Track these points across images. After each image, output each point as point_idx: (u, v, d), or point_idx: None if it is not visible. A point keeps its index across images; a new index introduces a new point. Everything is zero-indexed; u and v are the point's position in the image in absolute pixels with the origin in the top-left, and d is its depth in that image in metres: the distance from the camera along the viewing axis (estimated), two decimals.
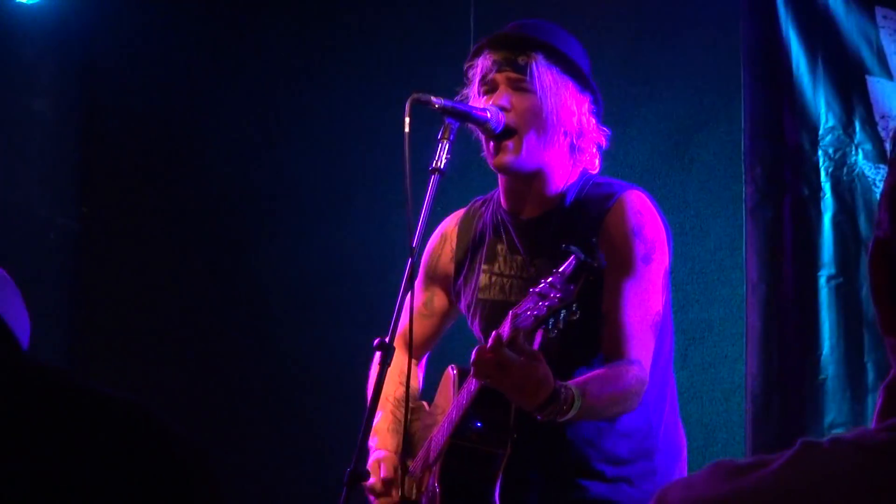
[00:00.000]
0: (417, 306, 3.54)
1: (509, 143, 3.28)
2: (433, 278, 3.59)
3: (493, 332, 2.90)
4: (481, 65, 3.33)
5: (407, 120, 3.15)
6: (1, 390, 1.13)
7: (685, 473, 3.36)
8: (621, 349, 3.14)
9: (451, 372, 3.41)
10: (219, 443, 5.05)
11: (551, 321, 2.84)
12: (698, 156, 4.86)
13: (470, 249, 3.52)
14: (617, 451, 3.28)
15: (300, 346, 5.36)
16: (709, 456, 4.58)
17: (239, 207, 5.57)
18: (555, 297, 2.81)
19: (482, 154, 3.38)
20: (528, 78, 3.27)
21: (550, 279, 2.83)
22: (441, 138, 3.25)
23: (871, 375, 4.35)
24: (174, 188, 5.63)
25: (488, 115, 3.27)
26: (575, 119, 3.31)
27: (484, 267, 3.45)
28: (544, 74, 3.27)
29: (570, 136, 3.32)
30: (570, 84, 3.31)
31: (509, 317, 2.91)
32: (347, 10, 5.49)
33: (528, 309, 2.86)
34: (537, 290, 2.85)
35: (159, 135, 5.66)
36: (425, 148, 3.27)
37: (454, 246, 3.56)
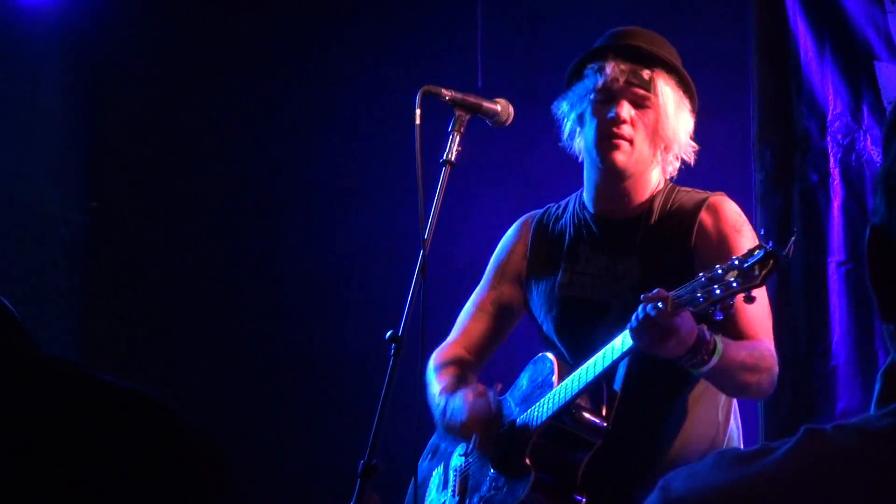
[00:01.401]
0: (483, 304, 3.59)
1: (625, 144, 3.32)
2: (504, 274, 3.60)
3: (650, 304, 2.95)
4: (608, 73, 3.34)
5: (418, 112, 3.16)
6: (16, 383, 1.13)
7: None
8: (749, 336, 3.22)
9: (554, 363, 3.39)
10: (231, 434, 5.06)
11: (718, 305, 2.90)
12: (707, 144, 4.85)
13: (547, 249, 3.54)
14: (690, 455, 3.32)
15: (312, 339, 5.37)
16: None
17: (249, 201, 5.57)
18: (734, 281, 2.86)
19: (562, 143, 3.38)
20: (651, 94, 3.32)
21: (725, 265, 2.88)
22: (452, 130, 3.26)
23: (882, 361, 4.35)
24: (183, 182, 5.64)
25: (498, 107, 3.29)
26: (686, 134, 3.40)
27: (564, 266, 3.47)
28: (666, 92, 3.34)
29: (672, 150, 3.39)
30: (688, 106, 3.39)
31: (671, 295, 2.95)
32: (357, 2, 5.49)
33: (694, 291, 2.91)
34: (708, 274, 2.90)
35: (168, 128, 5.66)
36: (436, 140, 3.27)
37: (528, 243, 3.58)
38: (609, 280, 3.38)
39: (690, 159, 3.45)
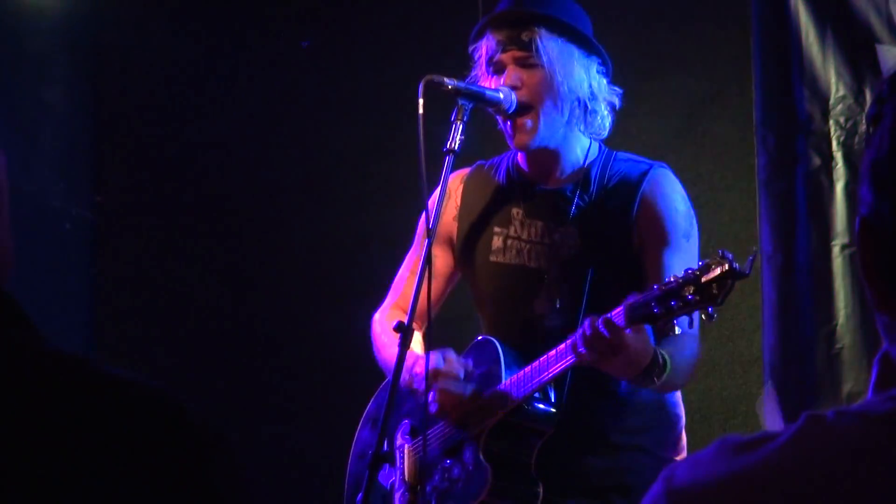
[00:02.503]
0: (416, 268, 3.43)
1: (527, 121, 3.31)
2: (436, 238, 3.51)
3: (601, 318, 2.94)
4: (486, 46, 3.35)
5: (420, 101, 3.16)
6: (24, 377, 1.14)
7: (684, 441, 3.41)
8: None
9: (500, 352, 3.36)
10: (237, 426, 5.06)
11: (677, 320, 2.89)
12: (710, 129, 4.86)
13: (478, 210, 3.51)
14: (632, 423, 3.33)
15: (318, 330, 5.37)
16: (729, 429, 4.59)
17: (253, 193, 5.57)
18: (692, 297, 2.84)
19: (502, 132, 3.39)
20: (534, 53, 3.29)
21: (681, 278, 2.86)
22: (455, 119, 3.26)
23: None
24: (188, 176, 5.64)
25: (501, 95, 3.28)
26: (586, 84, 3.34)
27: (497, 230, 3.45)
28: (550, 47, 3.29)
29: (584, 102, 3.34)
30: (576, 51, 3.33)
31: (622, 306, 2.93)
32: None
33: (649, 303, 2.89)
34: (663, 286, 2.88)
35: (172, 123, 5.66)
36: (439, 129, 3.27)
37: (458, 204, 3.56)
38: (544, 247, 3.36)
39: (616, 103, 3.40)
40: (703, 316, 2.88)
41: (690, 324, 2.97)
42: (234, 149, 5.59)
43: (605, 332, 2.92)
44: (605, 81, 3.38)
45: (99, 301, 5.68)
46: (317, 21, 5.51)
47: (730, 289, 2.83)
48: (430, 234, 3.23)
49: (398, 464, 3.45)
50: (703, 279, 2.83)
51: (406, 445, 3.46)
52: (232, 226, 5.57)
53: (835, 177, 4.48)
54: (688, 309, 2.86)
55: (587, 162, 3.38)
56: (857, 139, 4.46)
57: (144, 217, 5.66)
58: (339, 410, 5.24)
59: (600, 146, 3.41)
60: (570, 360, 3.07)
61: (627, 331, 2.93)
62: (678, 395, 3.43)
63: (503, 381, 3.29)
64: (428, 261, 3.19)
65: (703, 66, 4.87)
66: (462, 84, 3.28)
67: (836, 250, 4.44)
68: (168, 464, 1.13)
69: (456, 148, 3.25)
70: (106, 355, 5.46)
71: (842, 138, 4.48)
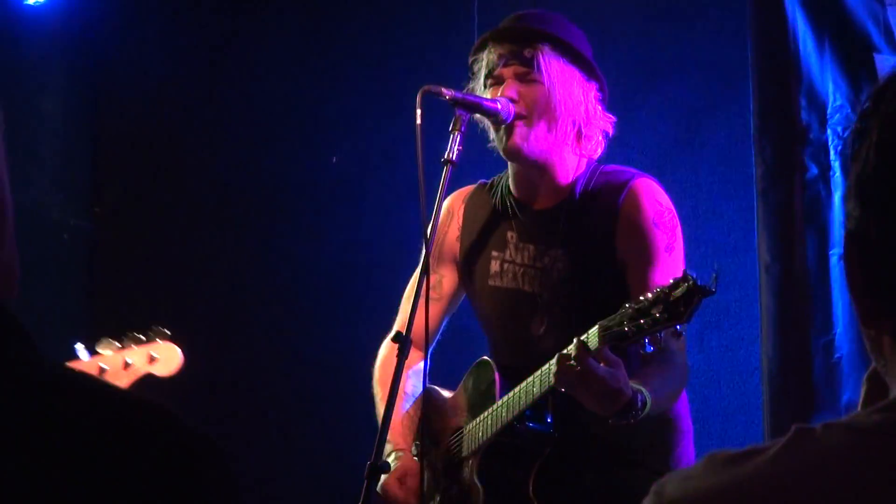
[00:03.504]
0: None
1: (519, 130, 3.31)
2: (441, 257, 3.59)
3: (576, 340, 2.94)
4: (486, 59, 3.36)
5: (418, 112, 3.16)
6: (20, 392, 1.14)
7: (692, 455, 3.41)
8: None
9: (495, 373, 3.39)
10: (235, 438, 5.06)
11: (648, 338, 2.88)
12: (708, 139, 4.86)
13: (477, 232, 3.54)
14: (635, 441, 3.33)
15: (315, 340, 5.37)
16: (728, 439, 4.59)
17: (251, 203, 5.57)
18: (660, 315, 2.84)
19: (490, 144, 3.40)
20: (535, 70, 3.30)
21: (651, 296, 2.87)
22: (452, 130, 3.27)
23: None
24: (185, 186, 5.64)
25: (498, 105, 3.29)
26: (582, 108, 3.35)
27: (494, 254, 3.48)
28: (551, 65, 3.30)
29: (578, 124, 3.34)
30: (577, 73, 3.35)
31: (596, 327, 2.93)
32: (356, 4, 5.49)
33: (622, 322, 2.90)
34: (635, 305, 2.89)
35: (170, 133, 5.66)
36: (437, 139, 3.27)
37: (461, 224, 3.59)
38: (539, 271, 3.38)
39: (610, 131, 3.41)
40: (672, 334, 2.89)
41: (657, 343, 2.95)
42: (231, 160, 5.59)
43: (575, 359, 2.92)
44: (600, 107, 3.39)
45: (97, 311, 5.68)
46: (315, 31, 5.51)
47: (696, 305, 2.83)
48: (428, 243, 3.23)
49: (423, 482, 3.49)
50: (671, 297, 2.84)
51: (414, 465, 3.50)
52: (229, 236, 5.57)
53: (832, 186, 4.48)
54: (657, 327, 2.86)
55: (574, 180, 3.39)
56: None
57: (142, 227, 5.67)
58: (338, 419, 5.25)
59: (588, 160, 3.42)
60: (549, 382, 3.07)
61: (600, 364, 2.92)
62: (684, 408, 3.44)
63: (496, 402, 3.30)
64: (426, 270, 3.20)
65: (701, 75, 4.87)
66: (459, 94, 3.29)
67: (834, 259, 4.44)
68: (165, 481, 1.13)
69: (454, 158, 3.25)
70: None
71: (839, 148, 4.48)
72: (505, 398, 3.28)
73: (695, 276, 2.84)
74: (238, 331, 5.53)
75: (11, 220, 1.27)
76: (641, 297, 2.89)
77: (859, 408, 1.18)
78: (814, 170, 4.50)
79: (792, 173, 4.52)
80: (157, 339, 3.84)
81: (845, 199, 1.18)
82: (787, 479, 1.10)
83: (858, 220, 1.17)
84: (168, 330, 5.51)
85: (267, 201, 5.56)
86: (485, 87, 3.36)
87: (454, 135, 3.26)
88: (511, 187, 3.48)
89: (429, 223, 3.26)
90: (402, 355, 3.16)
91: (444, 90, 3.25)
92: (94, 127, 5.73)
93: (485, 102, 3.29)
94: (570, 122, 3.35)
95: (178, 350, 3.85)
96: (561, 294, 3.33)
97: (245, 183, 5.58)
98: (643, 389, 3.01)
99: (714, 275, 2.83)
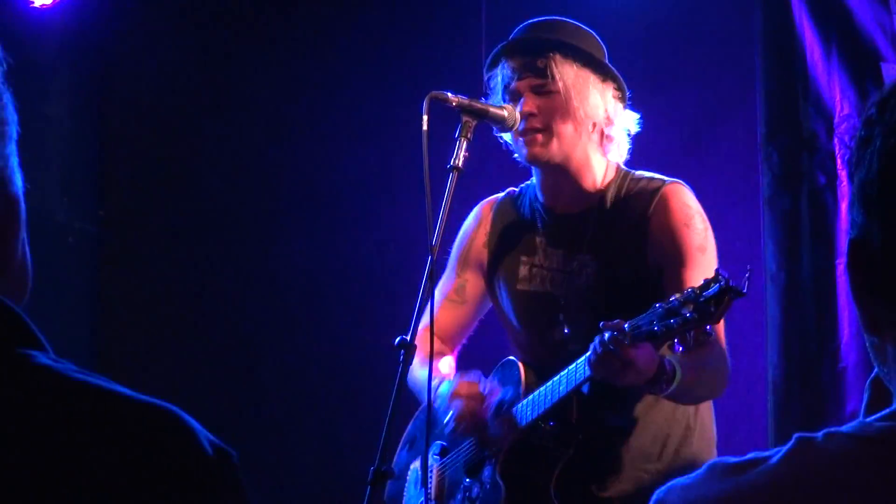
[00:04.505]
0: (449, 293, 3.59)
1: (539, 136, 3.31)
2: (466, 262, 3.61)
3: (608, 335, 2.94)
4: (501, 75, 3.36)
5: (425, 118, 3.15)
6: (27, 394, 1.13)
7: None
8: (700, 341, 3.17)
9: (521, 372, 3.40)
10: (241, 440, 5.05)
11: (678, 338, 2.89)
12: (714, 147, 4.85)
13: (506, 238, 3.54)
14: (658, 448, 3.33)
15: (321, 344, 5.37)
16: (733, 448, 4.56)
17: (257, 208, 5.57)
18: (690, 315, 2.84)
19: (510, 152, 3.40)
20: (549, 80, 3.30)
21: (682, 296, 2.87)
22: (459, 136, 3.26)
23: None
24: (191, 189, 5.64)
25: (505, 112, 3.29)
26: (601, 109, 3.35)
27: (523, 258, 3.48)
28: (565, 72, 3.30)
29: (600, 126, 3.35)
30: (592, 76, 3.34)
31: (627, 325, 2.94)
32: (363, 9, 5.50)
33: (651, 322, 2.90)
34: (665, 305, 2.89)
35: (175, 137, 5.66)
36: (443, 145, 3.27)
37: (488, 230, 3.59)
38: (566, 275, 3.38)
39: (632, 128, 3.43)
40: (700, 335, 2.89)
41: (686, 343, 2.95)
42: (237, 163, 5.59)
43: (615, 351, 2.93)
44: (621, 106, 3.40)
45: (102, 314, 5.68)
46: (322, 36, 5.51)
47: (726, 305, 2.83)
48: (433, 249, 3.23)
49: (430, 482, 3.50)
50: (702, 297, 2.84)
51: (435, 465, 3.51)
52: (235, 240, 5.58)
53: (839, 195, 4.47)
54: (686, 327, 2.86)
55: (603, 184, 3.40)
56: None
57: (147, 231, 5.67)
58: (342, 424, 5.25)
59: (617, 167, 3.43)
60: (583, 376, 3.08)
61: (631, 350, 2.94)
62: (710, 418, 3.45)
63: (522, 401, 3.31)
64: (430, 277, 3.21)
65: (707, 83, 4.87)
66: (466, 100, 3.28)
67: (840, 269, 4.43)
68: (175, 485, 1.12)
69: (460, 164, 3.25)
70: (109, 368, 5.45)
71: (846, 156, 4.47)
72: (529, 397, 3.28)
73: (727, 275, 2.84)
74: (243, 335, 5.53)
75: (25, 225, 1.27)
76: (672, 297, 2.89)
77: (862, 414, 1.17)
78: (821, 179, 4.50)
79: (799, 182, 4.52)
80: None
81: (850, 207, 1.18)
82: (789, 487, 1.10)
83: (861, 227, 1.17)
84: (172, 333, 5.53)
85: (273, 206, 5.56)
86: (504, 102, 3.37)
87: (460, 141, 3.26)
88: (538, 193, 3.48)
89: (435, 229, 3.26)
90: (405, 362, 3.16)
91: (450, 96, 3.25)
92: (99, 130, 5.73)
93: (491, 109, 3.30)
94: (591, 125, 3.35)
95: None
96: (589, 298, 3.34)
97: (251, 187, 5.58)
98: (670, 359, 3.03)
99: (746, 276, 2.82)
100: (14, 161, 1.28)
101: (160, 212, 5.67)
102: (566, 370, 3.15)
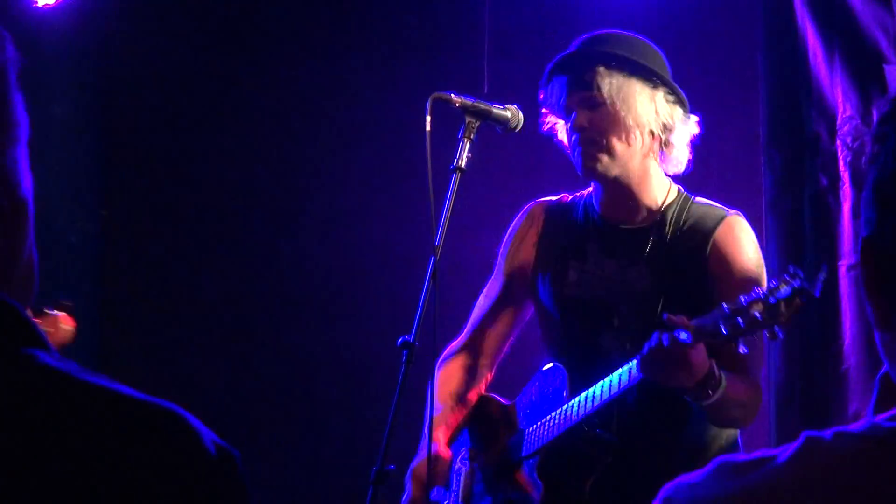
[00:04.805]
0: (496, 295, 3.57)
1: (594, 152, 3.30)
2: (513, 265, 3.56)
3: (667, 335, 2.93)
4: (554, 93, 3.36)
5: (428, 118, 3.15)
6: (32, 393, 1.14)
7: None
8: (739, 367, 3.17)
9: (566, 376, 3.38)
10: (243, 440, 5.05)
11: (742, 338, 2.87)
12: (717, 148, 4.85)
13: (556, 240, 3.51)
14: (696, 461, 3.32)
15: (325, 345, 5.37)
16: (734, 449, 4.58)
17: (260, 208, 5.58)
18: (760, 315, 2.82)
19: (577, 171, 3.39)
20: (595, 92, 3.29)
21: (752, 297, 2.85)
22: (462, 137, 3.26)
23: None
24: (193, 189, 5.64)
25: (509, 113, 3.29)
26: (653, 115, 3.32)
27: (573, 263, 3.45)
28: (609, 83, 3.28)
29: (657, 133, 3.33)
30: (637, 83, 3.31)
31: (692, 327, 2.91)
32: (367, 9, 5.50)
33: (716, 322, 2.88)
34: (732, 305, 2.87)
35: (178, 136, 5.67)
36: (447, 146, 3.27)
37: (539, 231, 3.56)
38: (619, 284, 3.36)
39: (696, 130, 3.41)
40: (769, 335, 2.87)
41: (752, 344, 2.94)
42: (239, 163, 5.59)
43: (673, 348, 2.93)
44: (678, 110, 3.36)
45: (104, 313, 5.68)
46: (325, 36, 5.52)
47: (798, 308, 2.81)
48: (437, 250, 3.22)
49: (454, 486, 3.49)
50: (773, 298, 2.82)
51: (463, 469, 3.50)
52: (237, 240, 5.58)
53: (842, 197, 4.48)
54: (755, 328, 2.84)
55: (664, 205, 3.38)
56: (864, 160, 4.45)
57: (149, 230, 5.67)
58: (345, 424, 5.25)
59: (679, 190, 3.41)
60: (635, 378, 3.07)
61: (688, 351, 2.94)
62: (740, 439, 3.44)
63: (566, 401, 3.30)
64: (434, 277, 3.20)
65: (710, 84, 4.86)
66: (470, 101, 3.27)
67: (842, 271, 4.44)
68: (178, 486, 1.12)
69: (463, 165, 3.25)
70: (111, 368, 5.45)
71: (849, 159, 4.48)
72: (575, 399, 3.26)
73: (801, 275, 2.82)
74: (245, 334, 5.53)
75: (33, 228, 1.28)
76: (740, 297, 2.87)
77: (870, 412, 1.17)
78: (823, 181, 4.50)
79: (801, 184, 4.52)
80: (55, 311, 3.85)
81: (862, 203, 1.18)
82: (797, 487, 1.10)
83: (876, 224, 1.16)
84: (175, 332, 5.53)
85: (276, 206, 5.56)
86: (559, 119, 3.38)
87: (464, 142, 3.25)
88: (595, 203, 3.46)
89: (438, 230, 3.25)
90: (408, 362, 3.15)
91: (453, 97, 3.24)
92: (101, 130, 5.74)
93: (495, 110, 3.29)
94: (647, 133, 3.32)
95: (70, 324, 3.86)
96: (640, 309, 3.30)
97: (254, 187, 5.58)
98: (720, 371, 3.02)
99: (822, 277, 2.79)
100: (23, 164, 1.28)
101: (162, 211, 5.67)
102: (613, 375, 3.14)
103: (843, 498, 1.08)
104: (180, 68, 5.63)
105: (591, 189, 3.49)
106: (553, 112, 3.41)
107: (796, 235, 4.50)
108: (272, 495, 5.22)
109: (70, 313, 3.93)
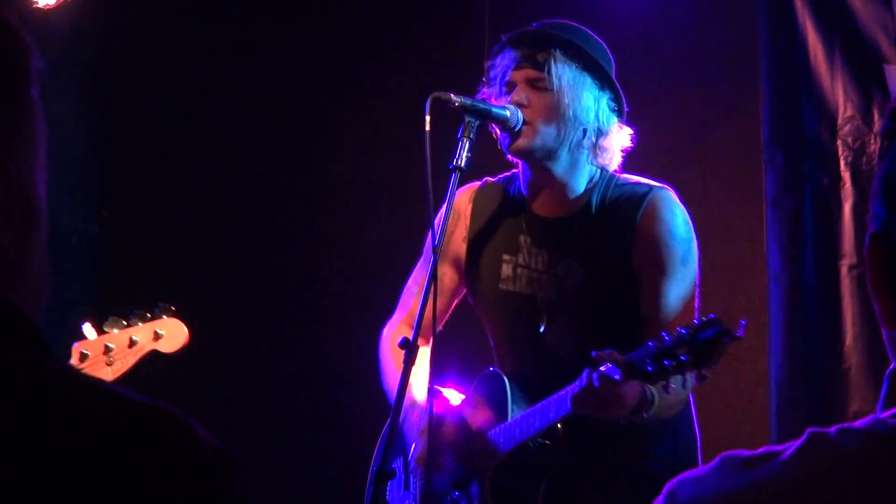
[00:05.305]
0: (423, 283, 3.48)
1: (524, 131, 3.29)
2: (444, 256, 3.51)
3: (597, 374, 2.92)
4: (501, 64, 3.35)
5: (427, 118, 3.14)
6: (33, 396, 1.14)
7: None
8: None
9: (506, 386, 3.36)
10: (242, 440, 5.05)
11: (669, 379, 2.86)
12: (718, 148, 4.85)
13: (487, 233, 3.51)
14: (643, 455, 3.32)
15: (324, 345, 5.37)
16: (734, 448, 4.57)
17: (259, 208, 5.57)
18: (686, 358, 2.81)
19: (501, 147, 3.39)
20: (545, 75, 3.28)
21: (676, 337, 2.83)
22: (461, 136, 3.25)
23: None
24: (194, 190, 5.64)
25: (508, 113, 3.28)
26: (593, 115, 3.31)
27: (506, 257, 3.45)
28: (562, 70, 3.28)
29: (590, 134, 3.32)
30: (588, 80, 3.31)
31: (622, 363, 2.90)
32: (366, 9, 5.50)
33: (643, 360, 2.87)
34: (658, 344, 2.86)
35: (178, 137, 5.66)
36: (446, 146, 3.26)
37: (468, 224, 3.55)
38: (552, 278, 3.36)
39: (628, 143, 3.37)
40: (697, 377, 2.87)
41: (684, 384, 2.93)
42: (240, 164, 5.59)
43: (601, 387, 2.93)
44: (615, 119, 3.34)
45: (105, 314, 5.67)
46: (325, 36, 5.52)
47: (722, 351, 2.79)
48: (437, 251, 3.22)
49: (412, 488, 3.46)
50: (696, 340, 2.81)
51: (420, 473, 3.47)
52: (237, 240, 5.58)
53: (842, 196, 4.47)
54: (681, 369, 2.83)
55: (588, 190, 3.37)
56: (865, 159, 4.45)
57: (150, 232, 5.67)
58: (344, 424, 5.24)
59: (603, 172, 3.39)
60: (567, 409, 3.07)
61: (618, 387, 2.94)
62: (693, 421, 3.42)
63: (509, 419, 3.29)
64: (433, 278, 3.19)
65: (711, 84, 4.86)
66: (469, 101, 3.27)
67: (843, 270, 4.43)
68: (178, 490, 1.12)
69: (462, 164, 3.24)
70: None
71: (850, 158, 4.47)
72: (519, 417, 3.25)
73: (714, 318, 2.81)
74: (245, 335, 5.53)
75: (46, 234, 1.27)
76: (665, 336, 2.85)
77: (880, 407, 1.17)
78: (824, 180, 4.50)
79: (802, 184, 4.52)
80: (164, 316, 3.84)
81: (871, 200, 1.18)
82: (802, 483, 1.09)
83: (883, 220, 1.16)
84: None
85: (275, 206, 5.56)
86: (501, 92, 3.35)
87: (462, 142, 3.25)
88: (524, 189, 3.46)
89: (437, 230, 3.25)
90: (408, 362, 3.13)
91: (453, 97, 3.24)
92: (102, 131, 5.73)
93: (494, 109, 3.28)
94: (581, 130, 3.31)
95: (184, 326, 3.84)
96: (574, 302, 3.32)
97: (254, 188, 5.58)
98: (650, 387, 3.01)
99: (743, 322, 2.77)
100: (40, 174, 1.28)
101: (163, 212, 5.67)
102: (549, 399, 3.13)
103: (848, 493, 1.08)
104: (180, 68, 5.63)
105: (517, 170, 3.47)
106: (494, 83, 3.38)
107: (797, 235, 4.50)
108: (272, 496, 5.22)
109: (176, 317, 3.94)
